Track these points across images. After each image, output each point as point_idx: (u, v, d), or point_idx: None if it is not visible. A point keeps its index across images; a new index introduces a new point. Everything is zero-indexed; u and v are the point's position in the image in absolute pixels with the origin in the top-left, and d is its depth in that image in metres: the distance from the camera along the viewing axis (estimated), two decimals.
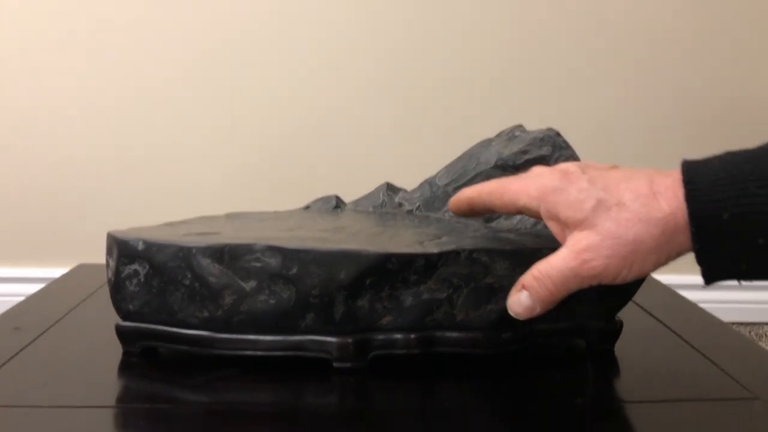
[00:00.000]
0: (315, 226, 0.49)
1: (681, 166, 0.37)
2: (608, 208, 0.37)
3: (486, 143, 0.53)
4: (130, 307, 0.45)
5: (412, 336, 0.45)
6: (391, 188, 0.57)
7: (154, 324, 0.45)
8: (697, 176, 0.36)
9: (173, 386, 0.43)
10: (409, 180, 0.58)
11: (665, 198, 0.36)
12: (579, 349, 0.48)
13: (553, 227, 0.39)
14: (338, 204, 0.57)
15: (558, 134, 0.51)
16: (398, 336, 0.45)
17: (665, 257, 0.37)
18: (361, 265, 0.42)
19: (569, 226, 0.38)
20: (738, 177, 0.35)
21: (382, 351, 0.45)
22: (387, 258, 0.42)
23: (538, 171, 0.41)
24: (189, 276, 0.44)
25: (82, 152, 0.88)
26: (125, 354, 0.46)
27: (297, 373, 0.44)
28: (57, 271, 0.81)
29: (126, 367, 0.45)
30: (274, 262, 0.43)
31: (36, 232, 0.89)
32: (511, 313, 0.40)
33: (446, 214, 0.53)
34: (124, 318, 0.46)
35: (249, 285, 0.43)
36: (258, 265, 0.43)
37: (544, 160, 0.50)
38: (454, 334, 0.45)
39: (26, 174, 0.88)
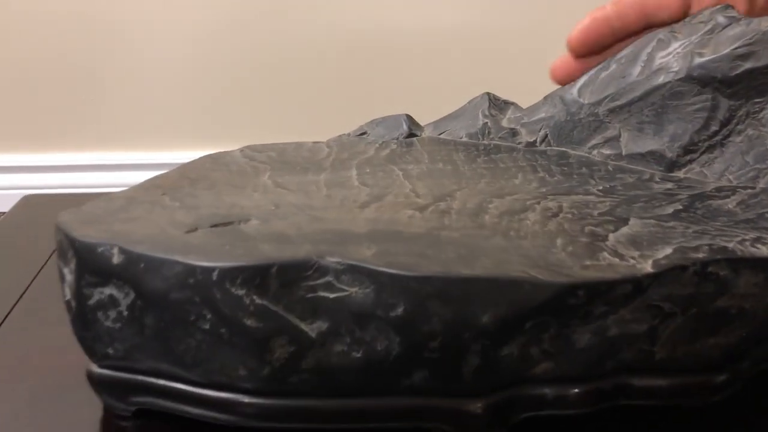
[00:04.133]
0: (398, 188, 0.30)
1: None
2: None
3: (664, 36, 0.33)
4: (109, 350, 0.27)
5: (579, 389, 0.27)
6: (494, 103, 0.37)
7: (152, 377, 0.27)
8: None
9: None
10: (511, 89, 0.38)
11: None
12: None
13: None
14: (412, 129, 0.37)
15: None
16: (559, 390, 0.27)
17: None
18: (523, 304, 0.24)
19: None
20: None
21: (531, 413, 0.28)
22: (571, 290, 0.24)
23: None
24: (209, 317, 0.25)
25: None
26: (108, 412, 0.29)
27: None
28: None
29: None
30: (361, 293, 0.24)
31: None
32: None
33: (594, 152, 0.34)
34: (101, 363, 0.28)
35: (315, 328, 0.25)
36: (331, 296, 0.24)
37: None
38: (647, 382, 0.28)
39: None
